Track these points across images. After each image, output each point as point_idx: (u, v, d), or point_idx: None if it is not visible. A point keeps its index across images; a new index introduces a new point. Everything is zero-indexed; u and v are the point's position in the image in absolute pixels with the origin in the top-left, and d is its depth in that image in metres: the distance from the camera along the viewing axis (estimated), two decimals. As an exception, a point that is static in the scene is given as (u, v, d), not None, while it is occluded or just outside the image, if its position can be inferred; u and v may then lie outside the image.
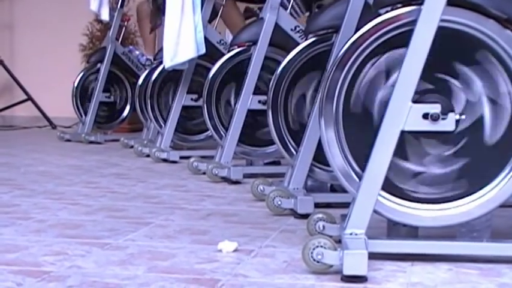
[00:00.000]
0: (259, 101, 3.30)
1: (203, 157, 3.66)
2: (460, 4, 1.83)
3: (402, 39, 1.83)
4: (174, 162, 4.04)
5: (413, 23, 1.80)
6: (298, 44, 2.90)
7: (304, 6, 3.73)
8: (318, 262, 1.71)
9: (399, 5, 1.88)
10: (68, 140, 5.36)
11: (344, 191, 1.93)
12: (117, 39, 5.47)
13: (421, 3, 1.79)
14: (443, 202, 1.88)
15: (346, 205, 1.92)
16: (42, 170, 3.71)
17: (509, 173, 1.86)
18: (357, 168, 1.90)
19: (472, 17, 1.84)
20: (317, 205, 2.42)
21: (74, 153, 4.60)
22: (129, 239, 2.12)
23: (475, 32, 1.85)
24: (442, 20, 1.79)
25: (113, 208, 2.64)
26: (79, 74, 5.62)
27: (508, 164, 1.87)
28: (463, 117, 1.85)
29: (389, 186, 1.86)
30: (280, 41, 3.23)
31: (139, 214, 2.53)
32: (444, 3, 1.78)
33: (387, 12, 1.90)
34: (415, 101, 1.80)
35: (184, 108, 4.21)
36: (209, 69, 3.72)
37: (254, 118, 3.41)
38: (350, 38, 1.92)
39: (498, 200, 1.87)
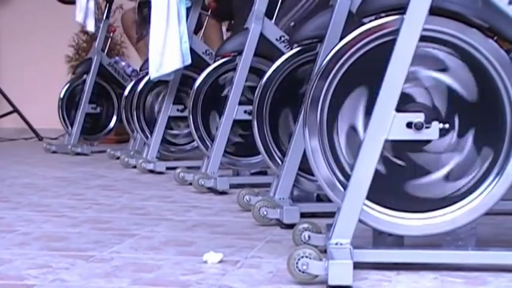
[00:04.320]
0: (245, 111, 3.29)
1: (189, 168, 3.65)
2: (443, 13, 1.84)
3: (386, 48, 1.83)
4: (161, 173, 4.03)
5: (397, 32, 1.80)
6: (283, 53, 2.90)
7: None
8: (303, 272, 1.71)
9: (382, 14, 1.89)
10: (54, 152, 5.33)
11: (330, 200, 1.93)
12: (103, 50, 5.46)
13: (404, 13, 1.79)
14: (429, 211, 1.88)
15: (332, 215, 1.92)
16: (27, 182, 3.69)
17: (493, 180, 1.86)
18: (341, 178, 1.90)
19: (455, 26, 1.85)
20: (303, 215, 2.42)
21: (60, 164, 4.58)
22: (114, 251, 2.11)
23: (457, 41, 1.85)
24: (424, 29, 1.80)
25: (98, 220, 2.63)
26: (65, 86, 5.60)
27: (492, 171, 1.87)
28: (447, 126, 1.85)
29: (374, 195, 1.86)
30: (266, 50, 3.23)
31: (125, 226, 2.52)
32: (426, 13, 1.79)
33: (371, 21, 1.90)
34: (398, 110, 1.80)
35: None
36: (195, 80, 3.71)
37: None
38: (334, 47, 1.92)
39: (483, 208, 1.87)
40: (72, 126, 5.44)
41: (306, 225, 2.04)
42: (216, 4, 4.70)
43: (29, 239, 2.27)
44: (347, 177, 1.84)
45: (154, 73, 3.85)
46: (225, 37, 5.15)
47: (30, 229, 2.44)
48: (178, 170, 3.58)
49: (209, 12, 4.63)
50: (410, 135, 1.82)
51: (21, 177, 3.92)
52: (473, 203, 1.87)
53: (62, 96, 5.54)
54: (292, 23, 3.49)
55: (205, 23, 4.53)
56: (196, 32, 4.22)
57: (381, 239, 1.93)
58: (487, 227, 2.29)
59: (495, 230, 2.36)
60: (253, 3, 3.20)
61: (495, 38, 1.87)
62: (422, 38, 1.80)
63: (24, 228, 2.46)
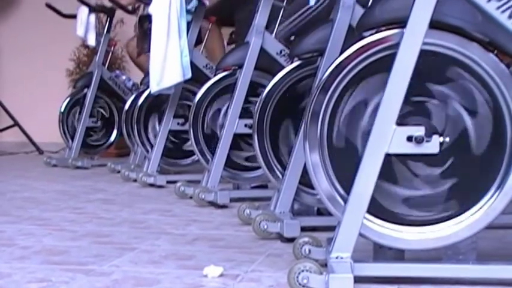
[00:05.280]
0: (246, 125, 3.29)
1: (190, 181, 3.65)
2: (443, 27, 1.84)
3: (386, 62, 1.84)
4: (161, 186, 4.02)
5: (397, 46, 1.81)
6: (283, 67, 2.91)
7: None
8: (303, 286, 1.70)
9: (382, 28, 1.89)
10: (55, 166, 5.33)
11: (330, 214, 1.93)
12: (103, 64, 5.47)
13: (404, 27, 1.80)
14: (429, 224, 1.88)
15: (332, 228, 1.91)
16: (28, 196, 3.69)
17: (494, 194, 1.86)
18: (342, 192, 1.89)
19: (455, 40, 1.85)
20: (303, 229, 2.41)
21: (61, 178, 4.58)
22: (113, 264, 2.11)
23: (458, 55, 1.85)
24: (425, 43, 1.80)
25: (98, 234, 2.62)
26: (65, 99, 5.61)
27: (493, 185, 1.87)
28: (447, 139, 1.85)
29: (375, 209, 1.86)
30: (266, 64, 3.24)
31: (125, 239, 2.51)
32: (427, 27, 1.79)
33: (371, 35, 1.90)
34: (399, 124, 1.80)
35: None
36: (195, 93, 3.71)
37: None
38: (334, 61, 1.92)
39: (483, 222, 1.86)
40: (72, 139, 5.44)
41: (306, 239, 2.04)
42: (217, 16, 4.71)
43: (29, 253, 2.27)
44: (347, 190, 1.84)
45: (155, 87, 3.85)
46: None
47: (30, 243, 2.44)
48: (178, 184, 3.58)
49: (209, 26, 4.63)
50: (411, 148, 1.82)
51: (22, 191, 3.92)
52: (473, 217, 1.86)
53: (62, 110, 5.55)
54: (292, 37, 3.50)
55: (206, 35, 4.53)
56: (196, 44, 4.23)
57: (382, 252, 1.93)
58: (488, 241, 2.29)
59: (496, 244, 2.35)
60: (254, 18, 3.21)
61: (495, 52, 1.87)
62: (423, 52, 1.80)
63: (24, 242, 2.46)
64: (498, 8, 1.80)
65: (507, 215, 1.96)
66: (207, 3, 4.05)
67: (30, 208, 3.25)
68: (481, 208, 1.86)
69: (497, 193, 1.85)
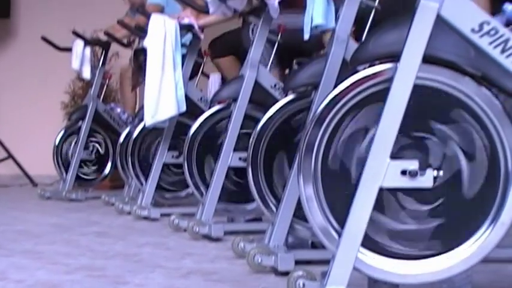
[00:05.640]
0: (240, 158, 3.29)
1: (184, 214, 3.64)
2: (436, 62, 1.86)
3: (380, 96, 1.85)
4: (155, 219, 4.01)
5: (391, 80, 1.82)
6: (277, 100, 2.92)
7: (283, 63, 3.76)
8: (298, 320, 1.69)
9: (376, 62, 1.90)
10: (49, 198, 5.32)
11: (325, 247, 1.92)
12: (98, 96, 5.49)
13: (397, 61, 1.81)
14: (424, 258, 1.88)
15: (327, 262, 1.90)
16: (21, 229, 3.68)
17: (488, 228, 1.86)
18: (336, 225, 1.89)
19: (448, 74, 1.86)
20: (298, 262, 2.41)
21: (55, 211, 4.57)
22: (107, 298, 2.10)
23: (451, 90, 1.87)
24: (418, 78, 1.81)
25: (92, 267, 2.61)
26: (60, 132, 5.62)
27: (487, 219, 1.87)
28: (441, 173, 1.85)
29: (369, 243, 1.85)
30: (260, 97, 3.25)
31: (119, 273, 2.50)
32: (420, 61, 1.80)
33: (365, 69, 1.92)
34: (393, 157, 1.81)
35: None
36: (190, 127, 3.72)
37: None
38: (328, 95, 1.93)
39: (478, 256, 1.86)
40: (67, 172, 5.43)
41: (300, 273, 2.03)
42: (212, 49, 4.73)
43: (22, 287, 2.26)
44: (342, 224, 1.84)
45: (149, 120, 3.86)
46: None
47: (23, 276, 2.43)
48: (172, 217, 3.57)
49: (204, 60, 4.66)
50: (405, 182, 1.82)
51: (15, 223, 3.91)
52: (468, 251, 1.86)
53: (57, 142, 5.56)
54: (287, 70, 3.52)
55: (202, 67, 4.56)
56: (191, 77, 4.25)
57: (376, 286, 1.92)
58: (483, 274, 2.28)
59: (491, 277, 2.35)
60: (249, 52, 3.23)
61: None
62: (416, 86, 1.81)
63: (18, 275, 2.45)
64: (490, 43, 1.81)
65: (502, 248, 1.96)
66: (202, 37, 4.08)
67: (23, 241, 3.24)
68: (475, 242, 1.86)
69: (491, 227, 1.85)
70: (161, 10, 4.99)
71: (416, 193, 1.87)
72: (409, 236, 1.89)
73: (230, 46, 4.60)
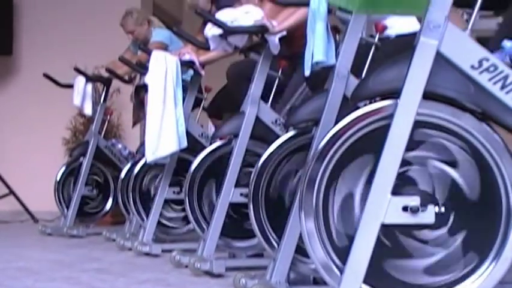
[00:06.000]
0: (241, 194, 3.29)
1: (185, 250, 3.63)
2: (436, 98, 1.87)
3: (381, 132, 1.85)
4: (157, 255, 4.00)
5: (391, 116, 1.83)
6: (278, 136, 2.93)
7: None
8: None
9: (377, 99, 1.91)
10: (50, 234, 5.30)
11: (326, 283, 1.92)
12: (99, 132, 5.50)
13: (398, 97, 1.82)
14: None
15: (328, 298, 1.90)
16: (21, 266, 3.66)
17: (490, 264, 1.86)
18: (337, 261, 1.89)
19: (449, 111, 1.87)
20: (300, 298, 2.40)
21: (56, 247, 4.55)
22: (108, 336, 2.09)
23: (451, 126, 1.87)
24: (418, 114, 1.82)
25: (93, 304, 2.60)
26: (61, 168, 5.62)
27: (489, 256, 1.87)
28: (443, 209, 1.85)
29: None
30: (261, 133, 3.26)
31: (120, 310, 2.49)
32: (420, 97, 1.81)
33: (365, 105, 1.93)
34: (394, 193, 1.81)
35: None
36: (191, 163, 3.72)
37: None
38: (330, 131, 1.94)
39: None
40: (68, 208, 5.43)
41: (302, 310, 2.02)
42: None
43: (22, 324, 2.25)
44: (343, 260, 1.83)
45: (150, 156, 3.86)
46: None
47: (24, 314, 2.42)
48: (174, 253, 3.56)
49: (205, 96, 4.67)
50: (406, 218, 1.82)
51: (15, 260, 3.89)
52: (471, 287, 1.85)
53: (58, 178, 5.55)
54: (288, 106, 3.53)
55: (203, 102, 4.58)
56: (192, 109, 4.26)
57: (379, 323, 1.91)
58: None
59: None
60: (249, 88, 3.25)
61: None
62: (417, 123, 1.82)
63: (18, 313, 2.44)
64: (490, 79, 1.83)
65: (503, 284, 1.95)
66: (203, 73, 4.10)
67: (23, 277, 3.22)
68: (478, 278, 1.86)
69: (493, 263, 1.85)
70: (165, 48, 5.01)
71: (417, 229, 1.87)
72: (412, 270, 1.89)
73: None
